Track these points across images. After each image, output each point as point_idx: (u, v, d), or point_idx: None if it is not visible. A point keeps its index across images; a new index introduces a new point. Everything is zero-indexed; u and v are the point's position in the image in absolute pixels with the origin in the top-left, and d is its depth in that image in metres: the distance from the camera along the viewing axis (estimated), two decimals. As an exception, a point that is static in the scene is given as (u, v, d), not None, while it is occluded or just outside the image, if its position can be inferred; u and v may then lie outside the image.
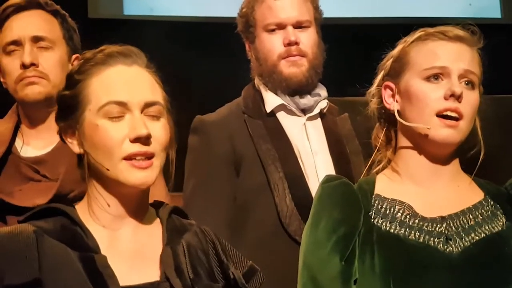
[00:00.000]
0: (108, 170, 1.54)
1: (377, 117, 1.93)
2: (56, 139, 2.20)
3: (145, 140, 1.54)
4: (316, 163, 2.37)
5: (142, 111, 1.56)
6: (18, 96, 2.25)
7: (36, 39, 2.24)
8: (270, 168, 2.31)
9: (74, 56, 2.33)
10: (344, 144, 2.43)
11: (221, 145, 2.35)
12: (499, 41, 4.84)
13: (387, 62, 1.90)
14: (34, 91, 2.22)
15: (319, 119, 2.46)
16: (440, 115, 1.76)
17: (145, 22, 4.42)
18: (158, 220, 1.67)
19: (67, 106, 1.60)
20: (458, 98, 1.76)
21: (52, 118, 2.24)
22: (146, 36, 4.09)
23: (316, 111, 2.44)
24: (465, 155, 1.85)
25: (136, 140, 1.53)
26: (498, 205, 1.82)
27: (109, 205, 1.58)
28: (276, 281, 1.94)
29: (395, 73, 1.87)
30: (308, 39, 2.42)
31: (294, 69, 2.38)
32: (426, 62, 1.80)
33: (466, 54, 1.81)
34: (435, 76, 1.79)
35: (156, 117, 1.58)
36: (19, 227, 1.54)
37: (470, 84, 1.80)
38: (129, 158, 1.53)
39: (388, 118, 1.90)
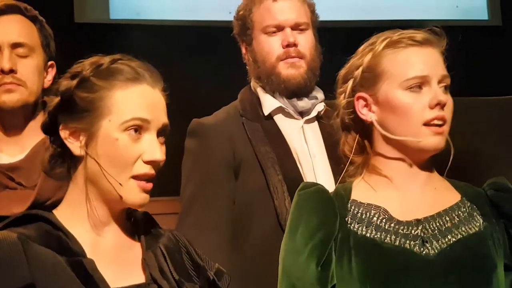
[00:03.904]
0: (121, 185, 1.55)
1: (348, 127, 1.92)
2: (30, 145, 2.19)
3: (157, 164, 1.58)
4: (315, 165, 2.37)
5: (158, 135, 1.60)
6: None
7: (15, 46, 2.21)
8: (269, 171, 2.30)
9: (49, 63, 2.30)
10: (341, 147, 2.43)
11: (220, 148, 2.34)
12: (486, 43, 4.89)
13: (356, 71, 1.87)
14: (12, 99, 2.18)
15: (316, 122, 2.46)
16: (428, 124, 1.77)
17: (131, 26, 4.41)
18: (133, 225, 1.68)
19: (80, 107, 1.58)
20: (443, 106, 1.77)
21: (26, 124, 2.23)
22: (133, 40, 4.08)
23: (314, 114, 2.44)
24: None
25: (150, 162, 1.57)
26: (475, 206, 1.83)
27: (96, 211, 1.59)
28: (275, 284, 1.93)
29: (368, 84, 1.85)
30: (306, 41, 2.43)
31: (293, 70, 2.39)
32: (405, 72, 1.80)
33: (438, 58, 1.83)
34: (418, 86, 1.79)
35: (163, 143, 1.62)
36: (1, 234, 1.51)
37: (446, 88, 1.81)
38: (136, 177, 1.56)
39: (361, 128, 1.89)
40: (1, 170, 2.16)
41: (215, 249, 1.96)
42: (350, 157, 1.89)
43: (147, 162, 1.57)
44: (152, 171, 1.58)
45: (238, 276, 1.82)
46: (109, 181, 1.55)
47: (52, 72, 2.31)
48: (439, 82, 1.80)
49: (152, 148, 1.57)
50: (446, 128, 1.78)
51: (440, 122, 1.77)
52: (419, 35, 1.83)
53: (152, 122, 1.58)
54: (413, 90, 1.79)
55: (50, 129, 1.64)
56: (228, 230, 2.29)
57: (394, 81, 1.80)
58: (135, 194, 1.57)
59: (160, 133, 1.60)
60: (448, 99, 1.79)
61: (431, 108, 1.77)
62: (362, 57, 1.87)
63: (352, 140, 1.90)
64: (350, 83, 1.88)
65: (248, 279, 2.24)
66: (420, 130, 1.77)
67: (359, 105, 1.86)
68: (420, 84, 1.79)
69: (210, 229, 2.25)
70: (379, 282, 1.71)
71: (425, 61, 1.80)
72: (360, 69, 1.86)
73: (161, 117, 1.61)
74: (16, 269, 1.45)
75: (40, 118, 2.27)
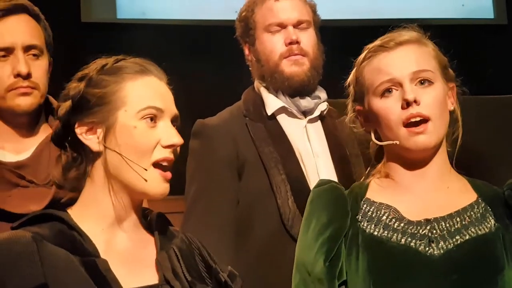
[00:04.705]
0: (146, 170, 1.58)
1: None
2: (33, 143, 2.20)
3: (175, 148, 1.62)
4: (318, 165, 2.38)
5: (171, 122, 1.63)
6: (6, 104, 2.19)
7: (28, 48, 2.19)
8: (272, 171, 2.32)
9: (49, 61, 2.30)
10: (344, 147, 2.44)
11: (224, 148, 2.35)
12: (492, 42, 4.89)
13: (350, 87, 1.93)
14: (27, 102, 2.18)
15: (319, 122, 2.47)
16: (407, 124, 1.78)
17: (138, 26, 4.42)
18: (148, 225, 1.69)
19: (93, 103, 1.61)
20: (415, 102, 1.77)
21: (32, 124, 2.23)
22: (139, 40, 4.09)
23: (317, 113, 2.45)
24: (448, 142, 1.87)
25: (169, 146, 1.60)
26: (489, 207, 1.82)
27: (113, 206, 1.61)
28: (280, 283, 1.94)
29: (359, 97, 1.90)
30: (308, 39, 2.44)
31: (296, 68, 2.40)
32: (375, 80, 1.83)
33: (410, 55, 1.82)
34: (388, 90, 1.81)
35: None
36: (16, 233, 1.53)
37: (425, 82, 1.81)
38: (157, 163, 1.59)
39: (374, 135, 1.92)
40: (8, 168, 2.16)
41: (218, 249, 1.96)
42: (372, 162, 1.95)
43: (166, 147, 1.60)
44: (172, 156, 1.61)
45: (241, 276, 1.83)
46: (133, 169, 1.57)
47: (50, 70, 2.31)
48: (412, 79, 1.80)
49: (169, 133, 1.61)
50: (431, 124, 1.78)
51: (417, 120, 1.77)
52: (392, 40, 1.84)
53: (165, 111, 1.62)
54: (385, 95, 1.81)
55: (61, 136, 1.66)
56: (231, 230, 2.31)
57: (370, 91, 1.84)
58: (157, 183, 1.59)
59: (172, 122, 1.64)
60: (423, 94, 1.79)
61: (403, 108, 1.78)
62: (351, 72, 1.92)
63: (372, 147, 1.95)
64: (349, 98, 1.94)
65: (252, 279, 2.24)
66: (400, 132, 1.79)
67: (360, 118, 1.92)
68: (389, 88, 1.81)
69: (213, 229, 2.26)
70: (381, 279, 1.73)
71: (392, 64, 1.82)
72: (351, 86, 1.92)
73: (172, 108, 1.64)
74: (29, 269, 1.47)
75: (43, 118, 2.28)
